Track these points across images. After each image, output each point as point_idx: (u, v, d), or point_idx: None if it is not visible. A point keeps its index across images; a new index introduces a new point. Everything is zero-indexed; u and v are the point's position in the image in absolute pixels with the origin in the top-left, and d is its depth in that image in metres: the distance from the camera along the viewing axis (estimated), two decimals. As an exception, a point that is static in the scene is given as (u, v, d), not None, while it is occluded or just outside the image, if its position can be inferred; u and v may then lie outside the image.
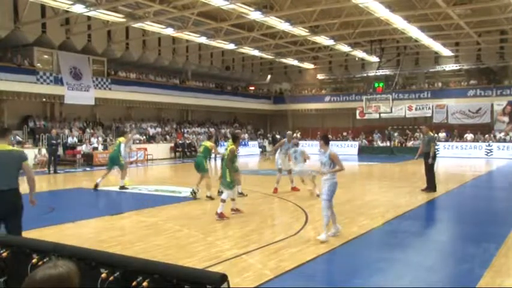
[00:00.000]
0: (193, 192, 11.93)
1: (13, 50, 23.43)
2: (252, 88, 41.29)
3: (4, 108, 23.54)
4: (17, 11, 22.47)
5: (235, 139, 9.97)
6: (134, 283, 2.48)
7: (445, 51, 31.73)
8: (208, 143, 12.39)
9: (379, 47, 30.57)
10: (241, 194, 11.83)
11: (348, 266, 6.24)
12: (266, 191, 13.06)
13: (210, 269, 3.49)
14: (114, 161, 13.93)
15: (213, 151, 12.41)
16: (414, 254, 6.89)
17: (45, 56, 24.81)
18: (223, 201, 9.28)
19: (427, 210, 11.07)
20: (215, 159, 23.79)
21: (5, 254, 3.02)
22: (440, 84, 34.95)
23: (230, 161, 9.58)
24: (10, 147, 5.63)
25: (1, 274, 3.01)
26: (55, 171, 19.14)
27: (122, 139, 14.50)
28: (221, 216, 9.06)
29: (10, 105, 23.56)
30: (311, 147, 34.37)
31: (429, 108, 33.53)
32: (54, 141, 19.54)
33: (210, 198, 11.68)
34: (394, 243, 7.48)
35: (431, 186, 12.90)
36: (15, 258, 2.99)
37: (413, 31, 25.77)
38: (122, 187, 13.66)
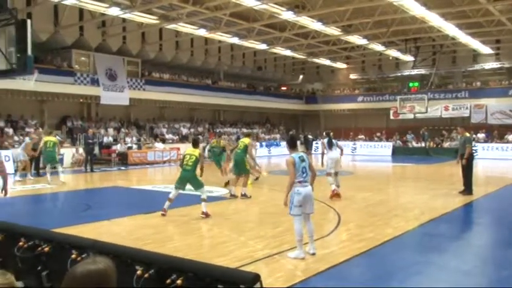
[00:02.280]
0: (232, 195, 12.01)
1: (53, 52, 24.19)
2: (284, 88, 41.20)
3: (44, 108, 24.36)
4: (57, 15, 23.19)
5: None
6: (168, 281, 2.52)
7: (485, 49, 30.78)
8: (247, 140, 12.56)
9: (414, 45, 29.97)
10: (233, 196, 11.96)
11: (382, 269, 6.14)
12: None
13: (242, 269, 3.51)
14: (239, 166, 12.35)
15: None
16: (451, 258, 6.72)
17: (83, 58, 25.49)
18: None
19: (464, 214, 10.78)
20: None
21: (47, 249, 3.12)
22: (479, 83, 33.91)
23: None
24: None
25: (43, 268, 3.11)
26: (91, 170, 19.60)
27: (247, 140, 12.83)
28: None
29: (50, 106, 24.34)
30: (344, 148, 34.04)
31: (467, 108, 32.59)
32: (90, 141, 20.04)
33: (246, 196, 11.84)
34: (429, 246, 7.32)
35: (468, 188, 12.55)
36: (56, 253, 3.09)
37: (450, 29, 25.12)
38: (244, 195, 12.08)
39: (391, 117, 34.72)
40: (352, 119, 38.97)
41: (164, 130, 29.18)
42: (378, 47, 30.54)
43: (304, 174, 6.38)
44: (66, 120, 25.01)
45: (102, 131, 25.32)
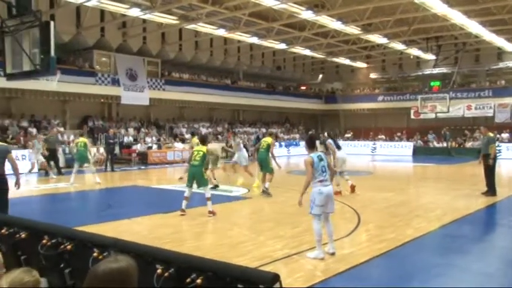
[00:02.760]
0: (265, 191, 12.22)
1: (75, 53, 24.58)
2: (303, 88, 41.07)
3: (66, 108, 24.79)
4: (79, 16, 23.60)
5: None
6: (188, 280, 2.53)
7: (510, 47, 30.15)
8: (270, 139, 12.90)
9: (436, 44, 29.52)
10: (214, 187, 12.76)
11: (402, 270, 6.08)
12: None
13: (261, 269, 3.51)
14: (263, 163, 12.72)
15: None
16: (473, 260, 6.60)
17: (104, 59, 25.84)
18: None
19: (487, 215, 10.58)
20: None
21: (69, 247, 3.18)
22: (503, 82, 33.22)
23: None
24: None
25: (66, 266, 3.17)
26: (112, 169, 19.84)
27: (269, 139, 13.12)
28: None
29: (72, 106, 24.75)
30: (364, 148, 33.79)
31: (490, 107, 31.96)
32: (111, 141, 20.28)
33: (267, 193, 12.06)
34: (451, 248, 7.21)
35: (491, 189, 12.31)
36: (78, 251, 3.14)
37: (473, 26, 24.67)
38: (265, 191, 12.30)
39: (412, 116, 34.31)
40: (372, 119, 38.63)
41: (184, 130, 29.39)
42: (398, 45, 30.22)
43: (324, 174, 6.42)
44: (87, 120, 25.40)
45: (123, 131, 25.63)
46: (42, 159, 17.36)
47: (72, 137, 23.02)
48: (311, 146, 6.75)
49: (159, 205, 11.54)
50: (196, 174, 9.51)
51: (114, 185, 16.07)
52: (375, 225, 8.64)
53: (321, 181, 6.39)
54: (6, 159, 7.29)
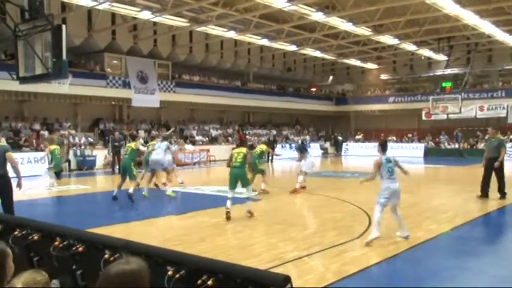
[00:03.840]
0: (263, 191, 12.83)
1: (86, 56, 24.80)
2: (314, 89, 41.00)
3: (78, 111, 25.00)
4: (90, 19, 23.81)
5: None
6: (199, 281, 2.54)
7: (523, 47, 29.88)
8: (264, 147, 14.13)
9: (448, 44, 29.38)
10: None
11: (414, 272, 6.03)
12: (328, 193, 12.93)
13: (272, 271, 3.52)
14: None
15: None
16: (486, 263, 6.52)
17: (115, 61, 26.05)
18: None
19: (500, 217, 10.47)
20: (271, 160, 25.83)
21: (81, 249, 3.20)
22: (517, 82, 32.91)
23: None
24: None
25: (78, 267, 3.20)
26: (119, 172, 19.90)
27: (263, 147, 14.25)
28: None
29: (83, 109, 24.96)
30: (375, 149, 33.62)
31: (503, 108, 31.56)
32: (117, 143, 20.39)
33: (265, 191, 12.70)
34: (464, 250, 7.14)
35: (500, 193, 12.01)
36: (90, 253, 3.17)
37: (486, 26, 24.45)
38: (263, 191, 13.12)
39: (423, 118, 34.03)
40: (383, 120, 38.44)
41: (194, 132, 29.50)
42: (409, 46, 30.06)
43: (390, 173, 7.51)
44: (98, 122, 25.60)
45: (134, 133, 25.74)
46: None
47: (83, 140, 23.22)
48: (384, 150, 7.72)
49: (169, 207, 11.59)
50: (239, 175, 9.66)
51: (124, 187, 16.10)
52: (385, 227, 8.58)
53: (389, 178, 7.50)
54: (7, 160, 7.37)
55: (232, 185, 9.59)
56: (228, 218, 9.13)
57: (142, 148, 13.33)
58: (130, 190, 11.41)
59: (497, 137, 12.55)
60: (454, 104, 30.51)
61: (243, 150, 9.92)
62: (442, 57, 32.03)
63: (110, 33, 25.17)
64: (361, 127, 38.63)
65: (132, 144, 12.42)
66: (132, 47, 26.27)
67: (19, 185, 7.47)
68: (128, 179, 11.92)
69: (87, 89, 23.24)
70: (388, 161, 7.58)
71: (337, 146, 36.06)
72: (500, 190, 12.05)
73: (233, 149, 11.47)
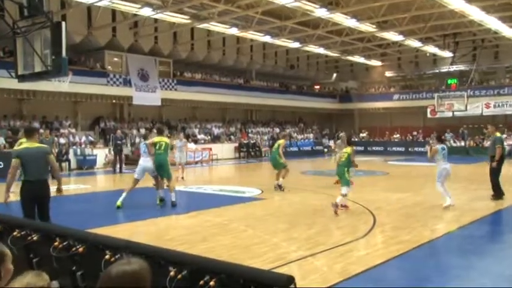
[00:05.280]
0: (278, 186, 13.11)
1: (86, 54, 24.80)
2: (317, 87, 40.96)
3: (78, 109, 25.05)
4: (90, 16, 23.82)
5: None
6: (201, 282, 2.53)
7: (530, 43, 29.74)
8: (282, 141, 14.01)
9: (453, 41, 29.19)
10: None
11: (419, 272, 6.01)
12: (332, 193, 12.90)
13: (275, 271, 3.50)
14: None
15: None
16: (493, 262, 6.51)
17: (115, 59, 26.05)
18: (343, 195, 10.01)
19: (507, 216, 10.42)
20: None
21: (81, 250, 3.20)
22: (524, 79, 32.78)
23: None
24: (36, 144, 6.67)
25: (78, 268, 3.19)
26: (120, 171, 19.96)
27: (281, 141, 14.16)
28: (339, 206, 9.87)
29: (83, 107, 25.00)
30: (378, 147, 33.58)
31: (510, 105, 31.42)
32: (119, 142, 20.41)
33: (280, 187, 12.89)
34: (470, 250, 7.12)
35: (496, 192, 11.86)
36: (90, 253, 3.16)
37: (492, 22, 24.34)
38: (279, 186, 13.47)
39: (429, 115, 33.97)
40: (387, 118, 38.40)
41: (196, 130, 29.50)
42: (414, 43, 29.98)
43: (444, 158, 10.42)
44: (99, 120, 25.63)
45: (135, 132, 25.79)
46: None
47: (83, 138, 23.25)
48: (439, 140, 10.99)
49: (172, 206, 11.59)
50: (341, 174, 10.32)
51: (125, 186, 16.14)
52: (390, 226, 8.57)
53: (444, 161, 10.38)
54: (48, 163, 6.67)
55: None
56: None
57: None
58: (173, 196, 10.83)
59: (495, 134, 12.20)
60: (460, 102, 30.39)
61: (348, 150, 10.39)
62: (447, 54, 31.91)
63: (110, 30, 25.17)
64: (365, 125, 38.60)
65: (166, 139, 11.41)
66: (132, 44, 26.28)
67: (59, 190, 6.92)
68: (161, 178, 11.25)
69: (87, 87, 23.27)
70: (443, 149, 10.52)
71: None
72: (495, 189, 11.78)
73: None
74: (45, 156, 6.54)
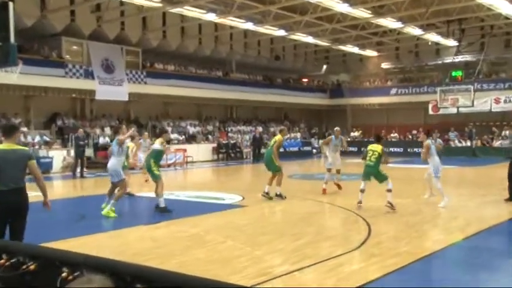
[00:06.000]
0: (266, 193, 12.79)
1: (40, 40, 24.45)
2: (306, 80, 41.16)
3: (30, 105, 24.65)
4: (44, -4, 23.46)
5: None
6: (174, 301, 2.52)
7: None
8: (278, 136, 13.49)
9: (459, 28, 29.51)
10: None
11: (420, 289, 6.08)
12: (321, 199, 12.97)
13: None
14: None
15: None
16: (503, 278, 6.60)
17: (74, 47, 25.78)
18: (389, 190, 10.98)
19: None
20: None
21: (32, 267, 3.14)
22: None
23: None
24: (16, 146, 6.17)
25: (29, 289, 3.13)
26: (81, 175, 19.76)
27: (277, 137, 13.86)
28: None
29: (37, 102, 24.63)
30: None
31: (524, 100, 31.89)
32: (81, 142, 20.22)
33: (280, 196, 12.76)
34: (477, 264, 7.21)
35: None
36: (44, 271, 3.11)
37: (503, 6, 24.60)
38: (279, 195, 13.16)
39: (430, 112, 34.31)
40: (384, 115, 38.77)
41: (169, 129, 29.35)
42: (414, 30, 30.28)
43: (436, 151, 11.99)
44: (56, 118, 25.27)
45: (98, 131, 25.55)
46: None
47: (37, 139, 22.91)
48: (428, 135, 12.57)
49: (140, 216, 11.53)
50: (374, 174, 11.34)
51: (87, 193, 16.02)
52: (387, 236, 8.64)
53: (437, 156, 11.89)
54: (29, 170, 6.18)
55: (365, 178, 11.51)
56: None
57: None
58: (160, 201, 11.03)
59: None
60: (466, 96, 30.75)
61: (378, 149, 11.32)
62: (452, 43, 32.32)
63: (68, 13, 24.82)
64: (359, 123, 38.88)
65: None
66: (95, 30, 25.99)
67: (46, 204, 6.49)
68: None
69: (41, 79, 22.97)
70: (432, 143, 12.00)
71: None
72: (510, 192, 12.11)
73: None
74: (25, 161, 6.05)
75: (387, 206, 10.84)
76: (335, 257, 7.19)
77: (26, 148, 7.05)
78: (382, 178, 11.28)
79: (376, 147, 11.36)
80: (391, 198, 10.88)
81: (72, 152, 22.06)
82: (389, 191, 10.95)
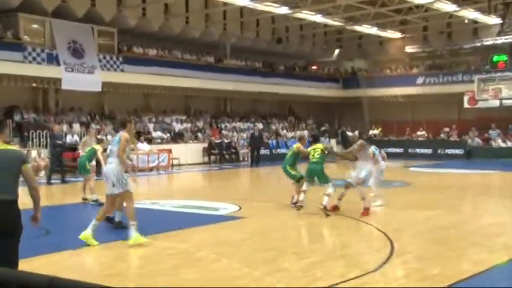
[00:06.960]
0: (294, 203, 12.94)
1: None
2: (314, 68, 41.18)
3: (-19, 96, 24.59)
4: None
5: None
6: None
7: None
8: (297, 145, 13.68)
9: (502, 2, 29.38)
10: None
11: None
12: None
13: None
14: None
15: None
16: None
17: (35, 26, 25.75)
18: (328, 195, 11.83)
19: None
20: None
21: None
22: None
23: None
24: (7, 146, 5.76)
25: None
26: (63, 180, 19.80)
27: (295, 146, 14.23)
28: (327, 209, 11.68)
29: (-11, 93, 24.58)
30: (395, 148, 33.85)
31: None
32: (59, 141, 20.27)
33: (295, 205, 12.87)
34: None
35: None
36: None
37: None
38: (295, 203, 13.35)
39: (466, 105, 34.36)
40: (408, 109, 38.84)
41: (151, 126, 29.37)
42: (447, 6, 30.12)
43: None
44: (13, 112, 25.14)
45: (65, 128, 25.47)
46: None
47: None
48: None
49: (117, 230, 11.49)
50: (317, 171, 12.26)
51: (53, 202, 15.95)
52: (414, 255, 8.63)
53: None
54: (23, 176, 5.79)
55: (310, 180, 12.45)
56: None
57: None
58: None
59: None
60: (510, 86, 30.74)
61: (320, 146, 12.65)
62: (493, 21, 32.21)
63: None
64: (378, 118, 38.84)
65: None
66: (59, 6, 25.94)
67: (35, 219, 5.98)
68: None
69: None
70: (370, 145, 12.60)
71: (346, 144, 36.20)
72: None
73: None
74: (18, 164, 5.61)
75: (320, 209, 11.69)
76: (350, 279, 7.17)
77: (18, 149, 6.77)
78: (324, 180, 12.24)
79: (317, 145, 12.82)
80: (327, 203, 11.82)
81: (43, 154, 22.02)
82: (328, 195, 11.87)
